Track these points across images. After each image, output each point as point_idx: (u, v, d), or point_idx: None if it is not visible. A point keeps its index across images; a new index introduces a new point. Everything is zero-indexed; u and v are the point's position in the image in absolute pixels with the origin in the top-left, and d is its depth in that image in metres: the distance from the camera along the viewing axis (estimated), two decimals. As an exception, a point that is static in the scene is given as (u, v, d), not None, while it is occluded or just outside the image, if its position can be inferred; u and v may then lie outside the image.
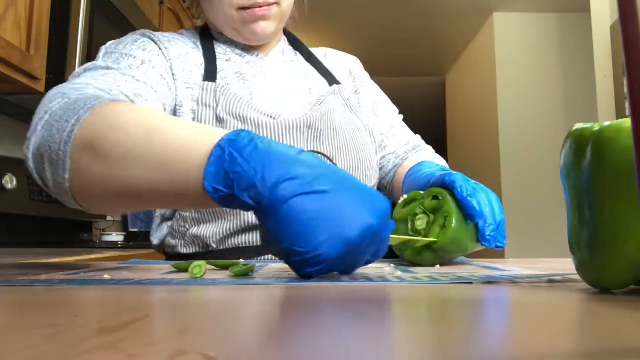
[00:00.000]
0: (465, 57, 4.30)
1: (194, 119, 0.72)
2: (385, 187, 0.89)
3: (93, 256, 1.11)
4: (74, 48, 1.45)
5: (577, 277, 0.41)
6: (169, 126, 0.45)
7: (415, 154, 0.88)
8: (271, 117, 0.73)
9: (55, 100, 0.50)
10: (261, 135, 0.69)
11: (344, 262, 0.40)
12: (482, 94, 3.89)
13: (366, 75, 0.94)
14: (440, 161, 0.85)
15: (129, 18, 1.77)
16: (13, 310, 0.27)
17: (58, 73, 1.43)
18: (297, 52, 0.89)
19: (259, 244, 0.71)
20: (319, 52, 0.93)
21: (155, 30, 2.00)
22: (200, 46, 0.79)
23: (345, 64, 0.92)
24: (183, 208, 0.61)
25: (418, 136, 0.93)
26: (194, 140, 0.43)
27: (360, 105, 0.88)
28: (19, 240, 1.62)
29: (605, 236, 0.30)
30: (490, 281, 0.39)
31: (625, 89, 0.29)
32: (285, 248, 0.39)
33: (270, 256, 0.74)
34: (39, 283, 0.38)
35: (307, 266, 0.39)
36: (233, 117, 0.71)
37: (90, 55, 1.50)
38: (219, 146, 0.40)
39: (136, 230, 2.43)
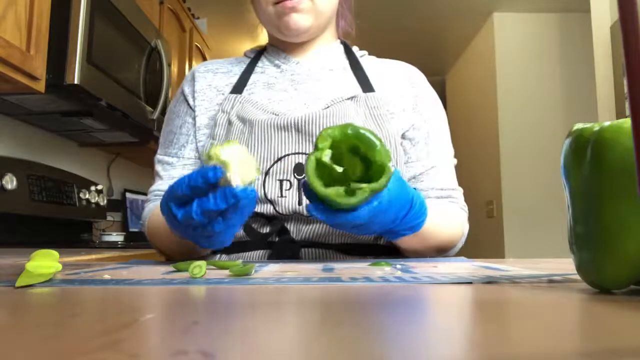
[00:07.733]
0: (465, 57, 4.30)
1: (210, 123, 0.85)
2: None
3: (93, 256, 1.11)
4: (74, 48, 1.45)
5: (577, 277, 0.41)
6: None
7: (441, 201, 0.83)
8: (274, 113, 0.78)
9: (146, 216, 0.85)
10: (252, 131, 0.78)
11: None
12: (482, 94, 3.89)
13: (432, 97, 0.92)
14: (460, 217, 0.82)
15: (129, 18, 1.77)
16: (13, 310, 0.27)
17: (58, 73, 1.43)
18: (348, 62, 0.91)
19: (246, 238, 0.78)
20: (377, 62, 0.93)
21: (155, 30, 2.00)
22: (244, 64, 0.91)
23: (404, 74, 0.92)
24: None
25: (460, 189, 0.86)
26: None
27: (405, 110, 0.85)
28: (19, 240, 1.62)
29: (605, 236, 0.30)
30: (490, 281, 0.39)
31: (625, 89, 0.29)
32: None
33: (269, 256, 0.74)
34: (39, 283, 0.38)
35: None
36: (238, 119, 0.80)
37: (90, 55, 1.50)
38: None
39: (136, 230, 2.43)
